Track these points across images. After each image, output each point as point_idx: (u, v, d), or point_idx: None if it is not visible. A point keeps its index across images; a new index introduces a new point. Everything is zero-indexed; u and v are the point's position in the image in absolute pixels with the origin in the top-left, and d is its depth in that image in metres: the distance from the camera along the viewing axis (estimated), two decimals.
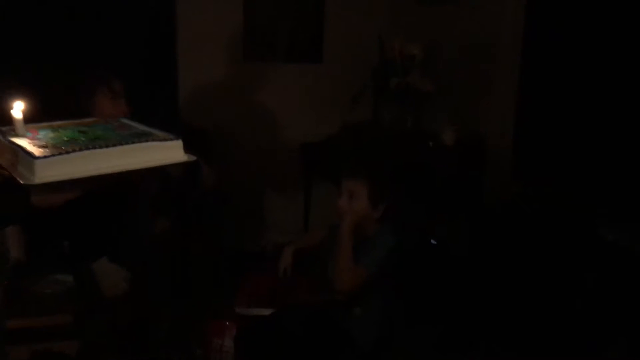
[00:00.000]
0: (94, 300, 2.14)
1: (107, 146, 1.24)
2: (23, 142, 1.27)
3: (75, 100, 2.26)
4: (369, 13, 3.92)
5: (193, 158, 1.37)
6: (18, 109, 1.33)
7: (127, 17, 3.32)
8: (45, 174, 1.15)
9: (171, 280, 2.37)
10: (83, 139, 1.32)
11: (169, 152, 1.33)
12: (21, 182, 1.15)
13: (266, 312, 2.05)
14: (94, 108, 2.24)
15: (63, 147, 1.22)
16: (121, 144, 1.26)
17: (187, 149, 2.18)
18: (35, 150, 1.20)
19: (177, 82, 3.61)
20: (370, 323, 1.98)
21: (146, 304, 2.24)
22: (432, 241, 3.07)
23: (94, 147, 1.22)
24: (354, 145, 3.57)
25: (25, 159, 1.19)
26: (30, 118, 1.37)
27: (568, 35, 2.68)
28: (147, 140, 1.31)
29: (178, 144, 1.34)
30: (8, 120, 1.36)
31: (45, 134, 1.36)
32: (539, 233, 2.45)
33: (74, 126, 1.46)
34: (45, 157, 1.16)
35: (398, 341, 2.03)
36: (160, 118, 2.57)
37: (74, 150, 1.20)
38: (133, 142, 1.29)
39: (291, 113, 3.89)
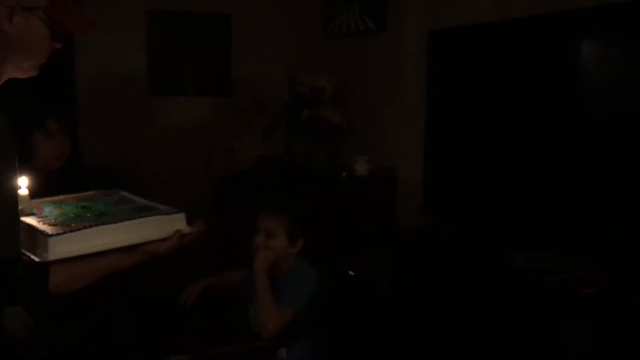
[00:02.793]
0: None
1: (115, 222, 1.31)
2: (32, 221, 1.32)
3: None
4: (278, 46, 3.95)
5: (195, 230, 1.43)
6: (23, 185, 1.36)
7: None
8: (59, 250, 1.22)
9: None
10: (88, 214, 1.40)
11: (174, 224, 1.40)
12: (36, 260, 1.20)
13: None
14: (34, 150, 2.23)
15: (73, 224, 1.29)
16: (129, 219, 1.33)
17: (91, 188, 2.10)
18: (47, 228, 1.26)
19: (77, 119, 3.42)
20: None
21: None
22: (350, 272, 3.07)
23: (104, 223, 1.30)
24: (267, 180, 3.53)
25: (39, 236, 1.24)
26: None
27: (473, 70, 2.82)
28: (153, 214, 1.38)
29: (181, 216, 1.43)
30: None
31: (51, 211, 1.42)
32: (449, 264, 2.51)
33: (76, 201, 1.54)
34: (58, 234, 1.22)
35: None
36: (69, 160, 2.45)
37: (84, 227, 1.27)
38: (140, 217, 1.36)
39: (201, 148, 3.80)
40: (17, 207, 1.13)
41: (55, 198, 1.57)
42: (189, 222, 1.45)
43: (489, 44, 2.73)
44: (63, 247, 1.23)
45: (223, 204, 3.69)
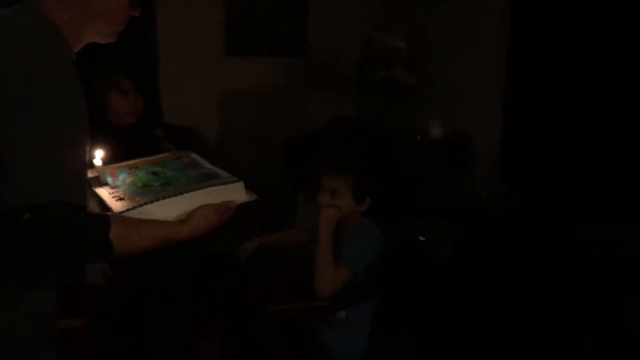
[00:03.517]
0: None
1: (175, 195, 1.38)
2: (104, 193, 1.42)
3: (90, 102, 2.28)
4: (354, 6, 3.86)
5: (254, 197, 1.47)
6: (98, 157, 1.49)
7: None
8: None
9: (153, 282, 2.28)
10: (156, 183, 1.48)
11: (232, 193, 1.44)
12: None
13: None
14: (108, 107, 2.34)
15: (137, 199, 1.37)
16: (187, 192, 1.39)
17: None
18: (114, 204, 1.36)
19: (157, 79, 3.53)
20: (356, 333, 1.90)
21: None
22: (420, 237, 3.02)
23: (164, 197, 1.37)
24: (338, 140, 3.51)
25: (107, 212, 1.34)
26: None
27: (556, 31, 2.63)
28: (211, 185, 1.43)
29: (240, 185, 1.46)
30: None
31: (124, 179, 1.52)
32: (524, 233, 2.40)
33: (149, 165, 1.63)
34: (121, 212, 1.31)
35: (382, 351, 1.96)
36: (142, 116, 2.54)
37: (145, 203, 1.35)
38: (199, 188, 1.41)
39: (275, 108, 3.82)
40: (86, 159, 1.14)
41: (129, 163, 1.64)
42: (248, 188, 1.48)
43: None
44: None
45: (294, 165, 3.72)
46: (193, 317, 1.98)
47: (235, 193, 1.43)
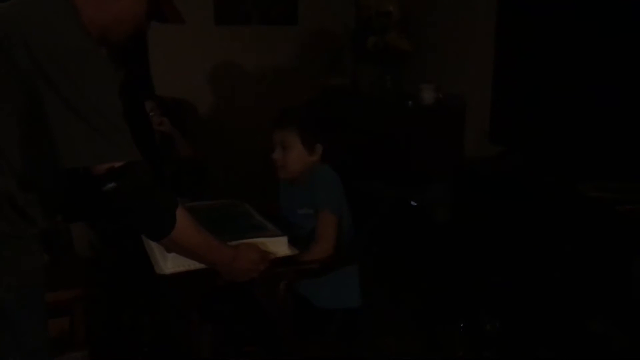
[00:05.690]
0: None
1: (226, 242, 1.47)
2: None
3: None
4: None
5: (296, 251, 1.56)
6: None
7: None
8: (174, 264, 1.43)
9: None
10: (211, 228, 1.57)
11: (275, 246, 1.54)
12: (156, 270, 1.44)
13: None
14: None
15: None
16: (235, 239, 1.49)
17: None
18: None
19: (147, 50, 3.50)
20: (343, 289, 1.93)
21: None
22: (412, 203, 3.03)
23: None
24: (333, 108, 3.49)
25: (162, 251, 1.46)
26: None
27: None
28: (257, 236, 1.54)
29: (284, 239, 1.56)
30: None
31: None
32: (517, 196, 2.39)
33: (209, 209, 1.77)
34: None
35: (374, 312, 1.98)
36: (132, 88, 2.52)
37: None
38: (246, 237, 1.52)
39: (267, 77, 3.80)
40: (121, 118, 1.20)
41: (196, 204, 1.80)
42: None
43: None
44: (177, 261, 1.42)
45: None
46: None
47: (278, 246, 1.54)
